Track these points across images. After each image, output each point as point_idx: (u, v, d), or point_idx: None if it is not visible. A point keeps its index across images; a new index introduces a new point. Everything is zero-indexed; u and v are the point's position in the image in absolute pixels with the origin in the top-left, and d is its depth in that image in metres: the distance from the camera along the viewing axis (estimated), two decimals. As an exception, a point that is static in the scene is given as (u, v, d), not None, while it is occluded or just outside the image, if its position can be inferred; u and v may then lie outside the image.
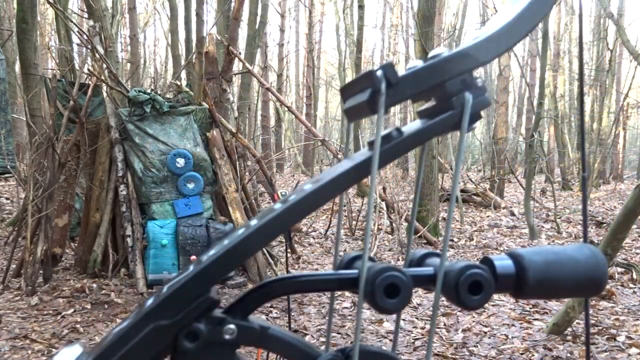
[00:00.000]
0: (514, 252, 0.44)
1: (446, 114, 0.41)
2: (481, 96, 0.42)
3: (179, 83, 6.08)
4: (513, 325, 4.00)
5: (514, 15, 0.42)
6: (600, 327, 3.84)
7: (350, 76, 18.40)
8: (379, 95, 0.39)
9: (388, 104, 0.40)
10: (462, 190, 10.73)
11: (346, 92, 0.44)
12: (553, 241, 7.31)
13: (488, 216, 9.65)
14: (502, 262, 0.44)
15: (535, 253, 0.44)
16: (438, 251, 0.44)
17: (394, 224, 7.06)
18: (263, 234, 0.39)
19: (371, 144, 0.41)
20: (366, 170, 0.40)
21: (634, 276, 5.21)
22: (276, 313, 4.22)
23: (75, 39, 8.71)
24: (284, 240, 5.33)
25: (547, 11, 0.44)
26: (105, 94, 5.09)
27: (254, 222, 0.40)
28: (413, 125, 0.43)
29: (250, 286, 4.90)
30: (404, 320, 4.13)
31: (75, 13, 14.11)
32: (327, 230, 7.99)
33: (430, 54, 0.42)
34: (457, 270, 0.41)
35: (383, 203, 7.17)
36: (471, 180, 12.84)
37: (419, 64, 0.41)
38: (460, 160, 0.43)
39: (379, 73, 0.39)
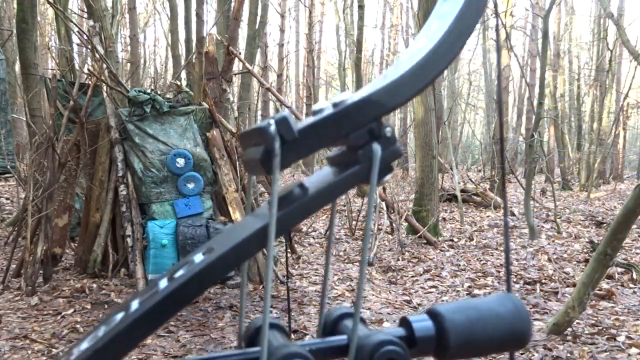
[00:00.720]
0: (435, 311, 0.42)
1: (353, 168, 0.38)
2: (391, 147, 0.38)
3: (179, 83, 6.08)
4: (513, 325, 4.00)
5: (427, 51, 0.39)
6: (600, 327, 3.84)
7: (350, 76, 18.39)
8: (272, 155, 0.35)
9: (284, 164, 0.35)
10: (462, 190, 10.73)
11: (244, 140, 0.38)
12: (553, 241, 7.31)
13: (488, 216, 9.65)
14: (422, 324, 0.41)
15: (457, 310, 0.41)
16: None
17: (394, 224, 7.06)
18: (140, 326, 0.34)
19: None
20: (262, 240, 0.36)
21: (634, 276, 5.21)
22: (276, 313, 4.22)
23: (75, 39, 8.71)
24: (284, 240, 5.33)
25: (463, 45, 0.40)
26: (105, 94, 5.09)
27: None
28: (319, 178, 0.39)
29: (250, 286, 4.92)
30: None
31: (75, 13, 14.11)
32: (327, 231, 7.99)
33: (334, 100, 0.38)
34: (371, 346, 0.38)
35: (383, 203, 7.18)
36: (471, 180, 12.84)
37: (325, 106, 0.37)
38: (369, 228, 0.39)
39: (272, 129, 0.34)
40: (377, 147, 0.37)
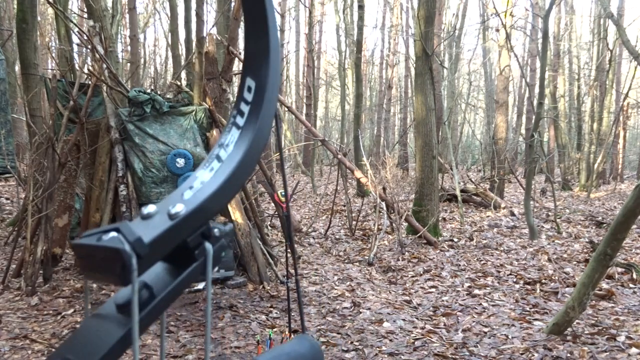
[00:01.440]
0: None
1: (191, 267, 0.43)
2: (219, 243, 0.44)
3: (179, 83, 6.08)
4: (513, 325, 4.00)
5: (237, 159, 0.46)
6: (600, 327, 3.84)
7: (350, 76, 18.38)
8: (130, 271, 0.38)
9: (140, 273, 0.39)
10: (462, 191, 10.73)
11: (81, 250, 0.41)
12: (553, 241, 7.31)
13: (488, 216, 9.65)
14: None
15: None
16: None
17: (394, 224, 7.06)
18: None
19: (122, 309, 0.40)
20: (125, 346, 0.39)
21: (634, 276, 5.21)
22: (276, 313, 4.22)
23: (75, 39, 8.71)
24: (284, 240, 5.33)
25: (260, 152, 0.48)
26: (105, 94, 5.09)
27: None
28: (159, 277, 0.43)
29: (250, 286, 4.91)
30: (403, 320, 4.14)
31: (75, 13, 14.11)
32: (327, 230, 7.99)
33: (169, 210, 0.42)
34: None
35: (383, 203, 7.17)
36: (471, 180, 12.84)
37: (153, 211, 0.42)
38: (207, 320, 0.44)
39: (128, 249, 0.38)
40: (209, 246, 0.43)
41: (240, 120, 0.49)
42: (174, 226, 0.41)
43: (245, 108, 0.50)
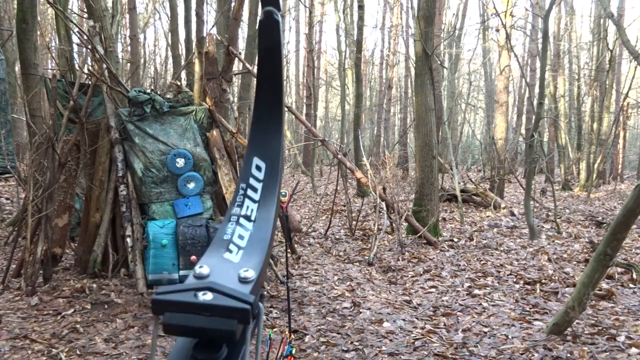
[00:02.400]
0: None
1: (254, 324, 0.47)
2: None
3: (179, 83, 6.08)
4: (513, 325, 4.00)
5: (269, 232, 0.53)
6: (600, 327, 3.84)
7: (350, 76, 18.39)
8: (248, 328, 0.44)
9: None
10: (462, 191, 10.73)
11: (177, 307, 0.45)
12: (553, 241, 7.31)
13: (488, 216, 9.65)
14: None
15: None
16: None
17: (394, 224, 7.06)
18: None
19: None
20: None
21: (634, 276, 5.21)
22: (276, 313, 4.22)
23: (75, 39, 8.71)
24: (284, 240, 5.33)
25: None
26: (105, 94, 5.09)
27: None
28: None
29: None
30: (403, 320, 4.14)
31: (75, 13, 14.10)
32: (327, 230, 7.99)
33: (241, 275, 0.47)
34: None
35: (383, 203, 7.17)
36: (471, 180, 12.84)
37: (206, 273, 0.47)
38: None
39: (248, 309, 0.43)
40: (262, 306, 0.48)
41: (255, 195, 0.55)
42: (254, 288, 0.47)
43: (257, 185, 0.55)
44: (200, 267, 0.45)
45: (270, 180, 0.54)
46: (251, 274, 0.45)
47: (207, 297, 0.42)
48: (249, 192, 0.54)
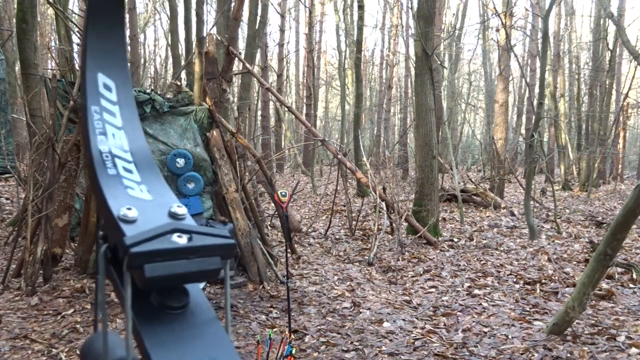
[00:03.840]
0: None
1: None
2: None
3: (179, 83, 6.08)
4: (513, 325, 4.00)
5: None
6: (600, 327, 3.84)
7: (350, 76, 18.40)
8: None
9: None
10: (462, 191, 10.73)
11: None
12: (553, 241, 7.31)
13: (488, 216, 9.65)
14: None
15: None
16: None
17: (393, 224, 7.06)
18: None
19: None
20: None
21: (634, 276, 5.21)
22: (276, 313, 4.22)
23: (75, 39, 8.71)
24: (284, 240, 5.33)
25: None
26: (105, 94, 5.08)
27: None
28: None
29: (250, 286, 4.91)
30: (403, 320, 4.14)
31: (75, 13, 14.10)
32: (327, 230, 7.99)
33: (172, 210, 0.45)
34: None
35: (383, 203, 7.17)
36: (471, 180, 12.84)
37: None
38: None
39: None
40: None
41: (115, 120, 0.49)
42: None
43: (113, 108, 0.49)
44: (129, 208, 0.41)
45: (126, 104, 0.49)
46: (182, 210, 0.42)
47: (182, 240, 0.39)
48: (107, 116, 0.48)
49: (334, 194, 8.97)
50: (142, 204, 0.44)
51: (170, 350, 0.39)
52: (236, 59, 5.84)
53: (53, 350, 3.36)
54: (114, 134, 0.47)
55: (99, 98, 0.48)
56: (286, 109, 11.52)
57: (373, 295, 4.83)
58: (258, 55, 16.20)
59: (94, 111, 0.47)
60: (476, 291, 4.96)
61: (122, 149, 0.47)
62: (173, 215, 0.43)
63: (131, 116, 0.50)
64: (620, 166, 18.53)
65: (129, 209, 0.42)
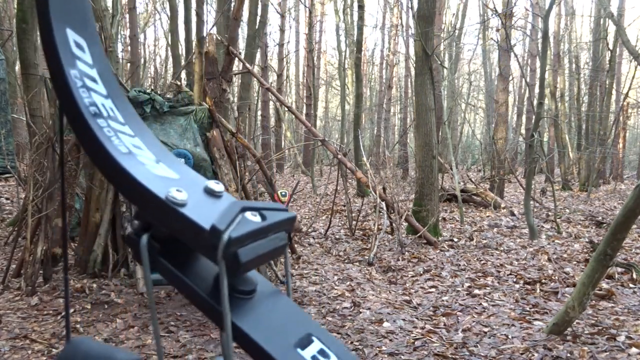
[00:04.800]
0: None
1: None
2: None
3: (179, 83, 6.08)
4: (513, 325, 4.00)
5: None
6: (600, 327, 3.84)
7: (350, 76, 18.41)
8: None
9: None
10: (462, 190, 10.73)
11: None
12: (553, 241, 7.31)
13: (488, 216, 9.65)
14: None
15: None
16: None
17: (393, 224, 7.06)
18: None
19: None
20: None
21: (634, 276, 5.21)
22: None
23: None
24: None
25: None
26: (105, 94, 5.09)
27: None
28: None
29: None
30: (403, 320, 4.14)
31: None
32: (327, 230, 7.99)
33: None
34: None
35: (383, 203, 7.17)
36: (471, 180, 12.84)
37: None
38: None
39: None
40: None
41: (97, 86, 0.42)
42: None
43: (91, 71, 0.42)
44: (179, 190, 0.37)
45: (102, 66, 0.42)
46: (219, 187, 0.39)
47: (257, 218, 0.36)
48: (89, 83, 0.41)
49: (334, 194, 8.97)
50: (177, 183, 0.39)
51: (273, 332, 0.37)
52: (236, 59, 5.84)
53: (53, 350, 3.36)
54: (103, 105, 0.41)
55: (74, 60, 0.41)
56: (286, 109, 11.52)
57: (373, 295, 4.83)
58: (258, 55, 16.21)
59: (74, 76, 0.40)
60: (476, 291, 4.96)
61: (119, 121, 0.42)
62: (211, 193, 0.39)
63: (111, 80, 0.43)
64: (620, 166, 18.54)
65: (179, 190, 0.37)
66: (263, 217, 0.38)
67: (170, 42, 15.22)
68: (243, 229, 0.35)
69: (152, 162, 0.41)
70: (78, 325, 3.76)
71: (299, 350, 0.36)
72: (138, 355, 0.41)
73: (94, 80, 0.42)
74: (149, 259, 0.38)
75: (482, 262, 6.15)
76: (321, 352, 0.36)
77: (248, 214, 0.37)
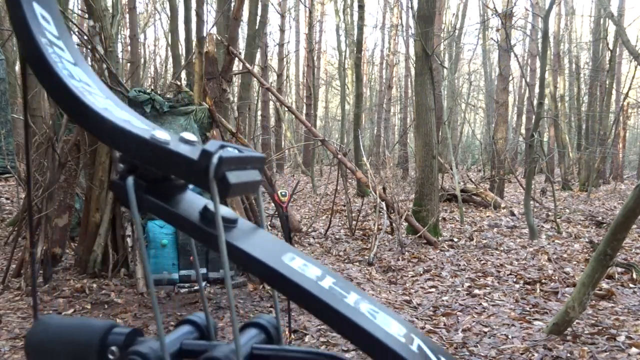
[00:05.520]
0: None
1: None
2: None
3: (179, 83, 6.08)
4: (513, 325, 4.00)
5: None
6: (600, 327, 3.84)
7: (350, 76, 18.41)
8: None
9: None
10: (462, 190, 10.73)
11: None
12: (553, 241, 7.31)
13: (488, 216, 9.65)
14: None
15: None
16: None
17: (393, 224, 7.06)
18: None
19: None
20: None
21: (634, 276, 5.22)
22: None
23: (75, 39, 8.71)
24: (284, 240, 5.32)
25: None
26: (105, 94, 5.09)
27: None
28: None
29: (250, 286, 4.91)
30: (404, 320, 4.13)
31: (75, 13, 14.10)
32: (327, 230, 7.99)
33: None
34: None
35: (383, 203, 7.17)
36: (471, 180, 12.84)
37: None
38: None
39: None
40: None
41: (66, 54, 0.44)
42: None
43: (59, 42, 0.43)
44: (159, 131, 0.40)
45: (67, 40, 0.44)
46: (192, 136, 0.41)
47: (235, 151, 0.40)
48: (58, 51, 0.43)
49: (334, 193, 8.97)
50: (151, 126, 0.42)
51: (261, 247, 0.40)
52: (236, 59, 5.84)
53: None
54: (73, 71, 0.43)
55: (43, 31, 0.42)
56: (286, 109, 11.52)
57: (373, 295, 4.83)
58: (258, 55, 16.21)
59: (45, 44, 0.42)
60: (476, 291, 4.96)
61: (89, 85, 0.43)
62: (184, 140, 0.41)
63: (77, 53, 0.45)
64: (620, 166, 18.54)
65: (159, 131, 0.40)
66: (240, 151, 0.41)
67: (170, 42, 15.22)
68: (229, 154, 0.39)
69: (128, 115, 0.43)
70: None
71: (286, 261, 0.39)
72: (113, 321, 0.42)
73: (61, 49, 0.44)
74: (136, 199, 0.40)
75: (482, 262, 6.15)
76: (304, 265, 0.39)
77: (227, 148, 0.39)
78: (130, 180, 0.40)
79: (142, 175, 0.41)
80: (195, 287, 4.57)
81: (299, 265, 0.39)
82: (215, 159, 0.37)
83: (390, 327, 0.37)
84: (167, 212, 0.42)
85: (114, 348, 0.40)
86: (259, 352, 0.43)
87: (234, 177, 0.39)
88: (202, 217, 0.42)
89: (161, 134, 0.39)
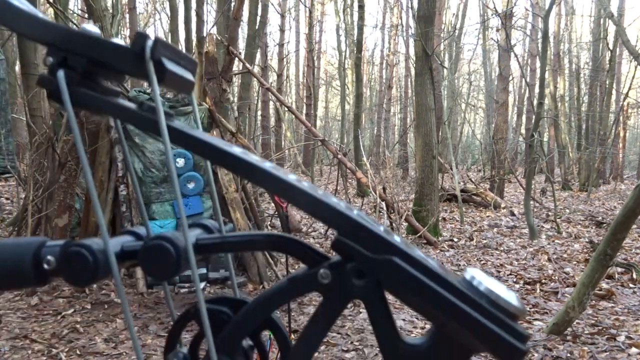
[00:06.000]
0: None
1: None
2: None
3: (179, 83, 6.07)
4: (513, 325, 4.00)
5: None
6: (600, 327, 3.84)
7: (350, 76, 18.41)
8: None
9: None
10: (462, 190, 10.73)
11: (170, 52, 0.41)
12: (553, 241, 7.31)
13: (488, 216, 9.65)
14: None
15: None
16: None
17: (394, 224, 7.06)
18: None
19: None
20: None
21: (634, 276, 5.22)
22: (276, 313, 4.21)
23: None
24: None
25: None
26: (105, 94, 5.08)
27: None
28: None
29: (250, 286, 4.91)
30: (403, 320, 4.14)
31: (75, 13, 14.11)
32: (327, 231, 7.98)
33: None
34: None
35: (383, 203, 7.17)
36: (471, 180, 12.84)
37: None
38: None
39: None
40: None
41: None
42: None
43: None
44: (88, 26, 0.40)
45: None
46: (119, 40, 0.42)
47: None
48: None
49: (334, 193, 8.97)
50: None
51: (199, 132, 0.43)
52: (236, 59, 5.84)
53: (53, 350, 3.36)
54: None
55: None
56: (286, 109, 11.52)
57: (373, 295, 4.82)
58: (258, 55, 16.20)
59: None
60: (476, 291, 4.96)
61: None
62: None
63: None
64: (620, 166, 18.54)
65: (88, 26, 0.40)
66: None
67: (170, 42, 15.21)
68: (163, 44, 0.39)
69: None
70: (78, 325, 3.77)
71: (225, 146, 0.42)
72: (44, 237, 0.42)
73: None
74: (68, 92, 0.39)
75: (482, 262, 6.15)
76: (244, 153, 0.42)
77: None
78: (61, 72, 0.39)
79: (72, 68, 0.40)
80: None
81: (239, 150, 0.41)
82: (150, 41, 0.37)
83: (330, 198, 0.39)
84: (104, 102, 0.41)
85: (50, 257, 0.41)
86: (203, 242, 0.44)
87: (170, 65, 0.39)
88: (140, 105, 0.42)
89: (92, 27, 0.40)
